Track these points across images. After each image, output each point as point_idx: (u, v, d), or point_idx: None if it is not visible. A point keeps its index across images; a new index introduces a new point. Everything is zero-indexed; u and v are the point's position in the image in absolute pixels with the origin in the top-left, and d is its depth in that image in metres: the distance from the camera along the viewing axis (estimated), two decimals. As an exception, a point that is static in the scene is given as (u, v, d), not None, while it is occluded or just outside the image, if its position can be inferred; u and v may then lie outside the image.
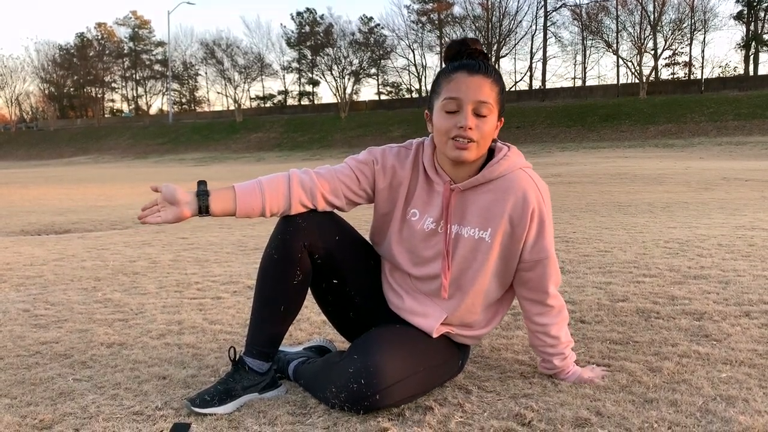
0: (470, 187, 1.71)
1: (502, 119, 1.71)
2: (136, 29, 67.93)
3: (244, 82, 55.42)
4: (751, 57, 45.36)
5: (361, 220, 1.87)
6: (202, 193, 1.65)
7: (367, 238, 1.92)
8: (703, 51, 56.63)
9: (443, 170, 1.74)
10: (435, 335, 1.75)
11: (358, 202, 1.83)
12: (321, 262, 1.75)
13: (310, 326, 2.47)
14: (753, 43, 44.81)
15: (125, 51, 68.24)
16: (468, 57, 1.67)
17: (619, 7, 45.00)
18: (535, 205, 1.68)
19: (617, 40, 45.91)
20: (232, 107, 55.64)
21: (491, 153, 1.74)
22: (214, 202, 1.66)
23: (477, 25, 49.53)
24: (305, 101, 59.83)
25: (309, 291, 1.85)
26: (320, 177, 1.75)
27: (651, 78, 43.32)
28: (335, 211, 1.82)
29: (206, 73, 62.13)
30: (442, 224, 1.73)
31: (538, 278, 1.74)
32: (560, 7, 49.15)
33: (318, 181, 1.74)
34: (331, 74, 51.94)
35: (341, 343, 2.14)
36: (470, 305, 1.76)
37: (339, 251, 1.77)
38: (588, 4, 46.98)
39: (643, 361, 1.96)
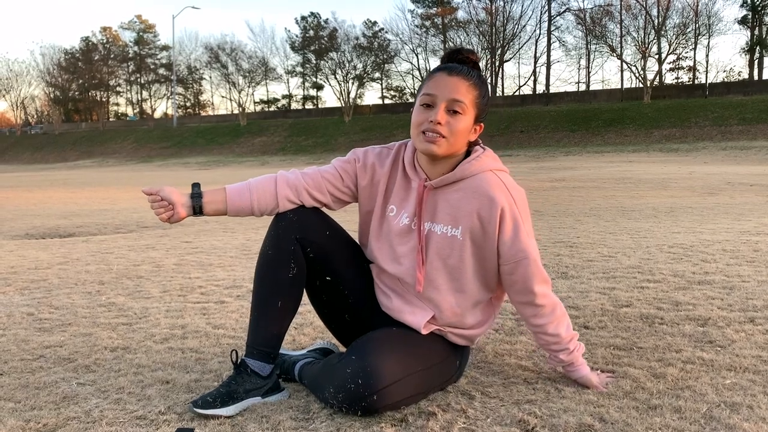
0: (442, 185, 1.77)
1: (482, 125, 1.78)
2: (141, 33, 68.19)
3: (249, 86, 55.56)
4: (756, 61, 45.27)
5: (357, 225, 1.90)
6: (196, 195, 1.79)
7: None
8: (707, 55, 56.74)
9: (421, 168, 1.81)
10: (424, 331, 1.78)
11: (343, 200, 1.91)
12: (313, 256, 1.79)
13: (313, 331, 2.47)
14: (758, 48, 44.71)
15: (130, 55, 68.49)
16: (458, 63, 1.75)
17: (623, 11, 45.03)
18: (504, 204, 1.70)
19: (621, 44, 45.92)
20: (236, 111, 55.75)
21: (468, 155, 1.80)
22: (207, 203, 1.80)
23: (481, 29, 49.62)
24: (309, 105, 59.94)
25: (305, 297, 1.87)
26: (305, 175, 1.87)
27: (655, 82, 43.26)
28: (325, 210, 1.90)
29: (210, 77, 62.20)
30: (416, 220, 1.79)
31: (522, 280, 1.75)
32: (564, 11, 49.25)
33: (303, 179, 1.85)
34: (335, 78, 52.06)
35: (343, 348, 2.14)
36: (455, 306, 1.79)
37: (330, 246, 1.83)
38: (592, 8, 47.05)
39: (647, 367, 1.96)
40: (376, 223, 1.88)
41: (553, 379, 1.90)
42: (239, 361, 1.77)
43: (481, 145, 1.82)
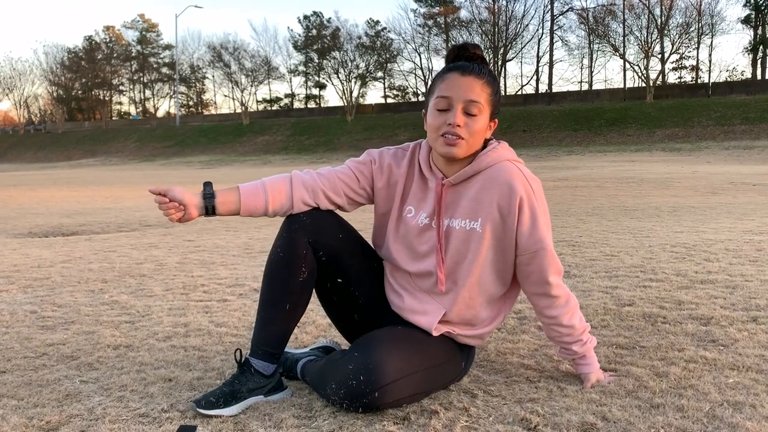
0: (460, 180, 1.76)
1: (496, 120, 1.77)
2: (144, 32, 68.25)
3: (251, 85, 55.60)
4: (759, 61, 45.17)
5: (366, 223, 1.89)
6: (209, 195, 1.75)
7: (369, 242, 1.95)
8: (710, 55, 56.53)
9: (437, 168, 1.80)
10: (435, 333, 1.77)
11: (359, 201, 1.89)
12: (325, 259, 1.78)
13: (316, 329, 2.47)
14: (761, 47, 44.60)
15: (133, 54, 68.55)
16: (465, 60, 1.73)
17: (626, 10, 44.97)
18: (523, 194, 1.69)
19: (624, 43, 45.88)
20: (239, 110, 55.78)
21: (483, 149, 1.79)
22: (220, 203, 1.76)
23: (483, 28, 49.57)
24: (312, 104, 59.96)
25: (314, 294, 1.86)
26: (321, 176, 1.83)
27: (658, 82, 43.19)
28: (338, 211, 1.87)
29: (213, 76, 62.24)
30: (435, 219, 1.77)
31: (538, 270, 1.75)
32: (567, 11, 49.17)
33: (319, 180, 1.82)
34: (338, 77, 52.09)
35: (347, 346, 2.14)
36: (468, 299, 1.77)
37: (343, 249, 1.81)
38: (595, 8, 46.96)
39: (649, 366, 1.96)
40: (393, 224, 1.86)
41: (556, 377, 1.90)
42: (243, 360, 1.77)
43: (496, 140, 1.82)
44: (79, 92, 69.29)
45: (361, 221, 2.12)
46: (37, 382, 1.91)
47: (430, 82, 1.82)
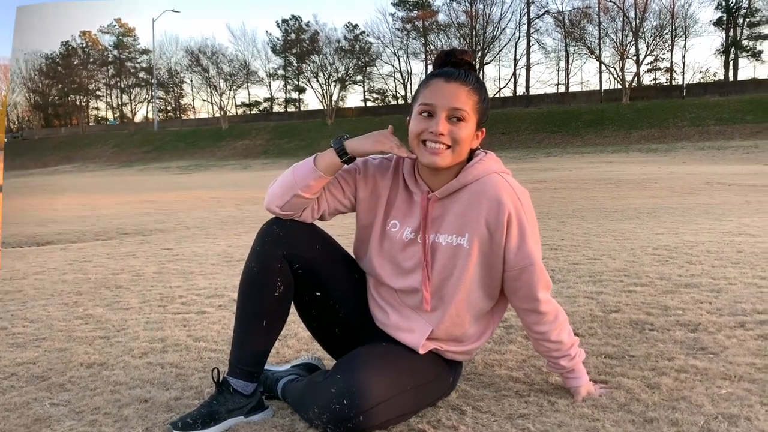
0: (447, 194, 1.69)
1: (484, 130, 1.70)
2: (120, 37, 67.41)
3: (230, 90, 55.16)
4: (731, 63, 45.91)
5: (347, 229, 1.83)
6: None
7: (350, 252, 1.88)
8: (684, 57, 57.22)
9: (422, 180, 1.73)
10: (422, 351, 1.70)
11: (340, 210, 1.82)
12: (302, 272, 1.71)
13: (298, 343, 2.40)
14: (732, 49, 45.35)
15: (110, 59, 67.65)
16: (452, 66, 1.66)
17: (601, 13, 45.43)
18: (511, 209, 1.63)
19: (600, 46, 46.27)
20: (217, 114, 55.33)
21: (469, 160, 1.73)
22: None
23: (461, 32, 49.74)
24: (291, 108, 59.65)
25: (293, 307, 1.80)
26: None
27: (633, 84, 43.69)
28: (316, 222, 1.80)
29: (191, 81, 61.56)
30: (421, 234, 1.71)
31: (526, 286, 1.69)
32: (543, 14, 49.49)
33: None
34: (317, 81, 51.89)
35: (330, 360, 2.07)
36: (455, 316, 1.71)
37: (320, 261, 1.74)
38: (570, 11, 47.38)
39: (640, 377, 1.92)
40: (376, 239, 1.79)
41: (546, 391, 1.85)
42: (221, 379, 1.69)
43: (482, 150, 1.75)
44: (56, 98, 68.20)
45: (342, 227, 2.06)
46: (4, 406, 1.82)
47: (414, 89, 1.76)
